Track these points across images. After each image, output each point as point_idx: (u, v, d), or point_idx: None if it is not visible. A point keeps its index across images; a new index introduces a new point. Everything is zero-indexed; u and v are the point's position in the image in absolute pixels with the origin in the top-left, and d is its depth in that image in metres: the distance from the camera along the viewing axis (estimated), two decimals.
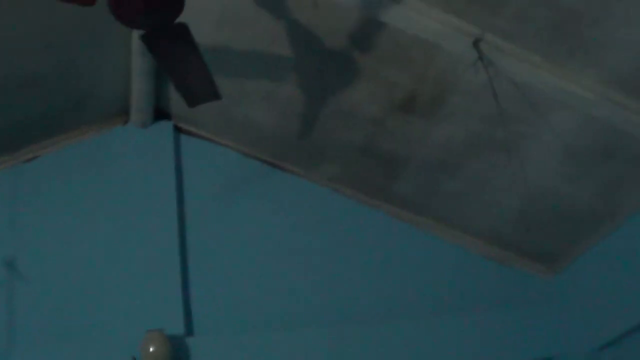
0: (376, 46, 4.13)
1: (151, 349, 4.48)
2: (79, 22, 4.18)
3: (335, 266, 5.11)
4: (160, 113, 5.20)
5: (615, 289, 4.68)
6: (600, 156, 4.26)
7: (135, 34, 4.41)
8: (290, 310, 4.95)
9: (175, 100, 5.04)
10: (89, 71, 4.71)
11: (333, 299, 5.02)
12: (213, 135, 5.23)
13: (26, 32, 4.21)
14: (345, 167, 5.08)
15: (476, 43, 3.87)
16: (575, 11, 3.59)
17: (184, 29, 3.37)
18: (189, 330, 4.77)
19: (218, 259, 5.01)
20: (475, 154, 4.53)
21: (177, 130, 5.24)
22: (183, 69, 3.66)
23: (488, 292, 5.18)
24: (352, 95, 4.48)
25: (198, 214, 5.08)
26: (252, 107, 4.83)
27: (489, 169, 4.60)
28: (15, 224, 4.87)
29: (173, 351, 4.53)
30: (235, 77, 4.29)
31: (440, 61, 4.07)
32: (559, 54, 3.84)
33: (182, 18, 3.23)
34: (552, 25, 3.73)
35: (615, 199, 4.50)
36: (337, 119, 4.69)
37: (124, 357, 4.49)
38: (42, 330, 4.67)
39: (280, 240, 5.12)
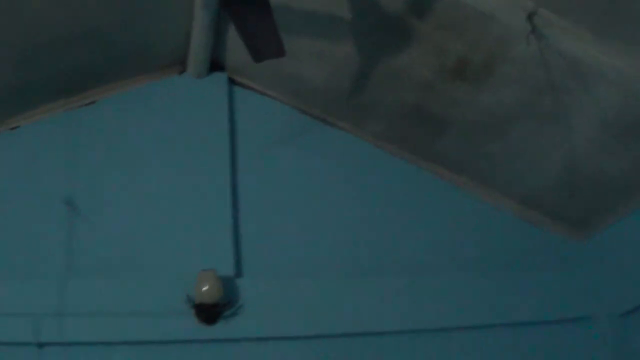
0: (433, 13, 4.27)
1: (204, 288, 4.69)
2: None
3: (374, 219, 5.32)
4: (214, 65, 5.35)
5: None
6: (638, 130, 4.41)
7: None
8: (331, 259, 5.17)
9: (230, 52, 5.23)
10: (149, 22, 4.85)
11: (371, 251, 5.24)
12: (265, 88, 5.42)
13: None
14: (391, 125, 5.27)
15: (530, 16, 4.04)
16: None
17: None
18: (238, 272, 5.00)
19: (267, 206, 5.22)
20: (520, 120, 4.70)
21: (231, 82, 5.41)
22: (254, 24, 3.80)
23: (521, 254, 5.36)
24: (405, 58, 4.63)
25: (249, 163, 5.28)
26: (305, 64, 4.99)
27: (531, 136, 4.77)
28: (73, 164, 5.07)
29: (224, 291, 4.76)
30: (291, 33, 4.35)
31: (493, 32, 4.22)
32: (608, 31, 3.99)
33: None
34: (602, 3, 3.87)
35: None
36: (387, 80, 4.84)
37: (178, 294, 4.74)
38: (99, 266, 4.88)
39: (325, 192, 5.33)
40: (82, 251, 4.93)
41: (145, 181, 5.13)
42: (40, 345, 4.67)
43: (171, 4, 4.82)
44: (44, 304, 4.70)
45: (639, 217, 4.89)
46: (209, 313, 4.74)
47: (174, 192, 5.10)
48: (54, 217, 4.96)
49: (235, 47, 4.93)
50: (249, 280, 4.97)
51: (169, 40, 5.15)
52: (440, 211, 5.40)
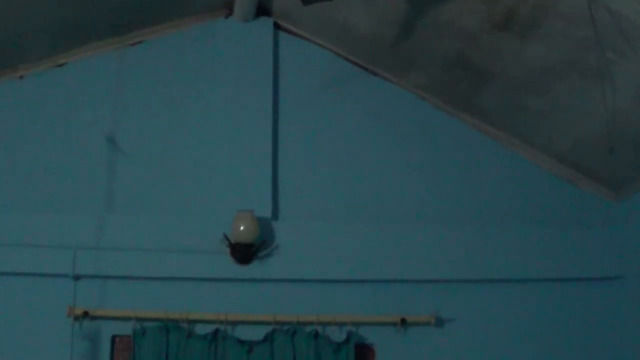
0: None
1: (241, 228, 4.79)
2: None
3: (412, 168, 5.36)
4: (261, 9, 5.37)
5: None
6: None
7: None
8: (368, 206, 5.24)
9: None
10: None
11: (407, 200, 5.29)
12: (310, 35, 5.45)
13: None
14: (434, 76, 5.27)
15: None
16: None
17: None
18: (275, 214, 5.08)
19: (306, 152, 5.30)
20: (563, 76, 4.64)
21: (277, 27, 5.44)
22: None
23: (555, 209, 5.37)
24: (452, 8, 4.59)
25: (291, 108, 5.33)
26: (351, 11, 4.99)
27: (574, 92, 4.72)
28: (119, 102, 5.18)
29: (260, 231, 4.85)
30: None
31: None
32: None
33: None
34: None
35: None
36: (433, 30, 4.83)
37: (216, 233, 4.85)
38: (138, 202, 5.02)
39: (365, 139, 5.37)
40: (122, 188, 5.06)
41: (188, 122, 5.22)
42: (77, 277, 4.81)
43: None
44: (82, 237, 4.85)
45: None
46: (244, 253, 4.83)
47: (216, 134, 5.17)
48: (97, 153, 5.09)
49: None
50: (285, 222, 5.06)
51: None
52: (477, 164, 5.41)
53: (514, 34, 4.54)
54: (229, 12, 5.40)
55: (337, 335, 4.87)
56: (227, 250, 4.84)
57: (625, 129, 4.72)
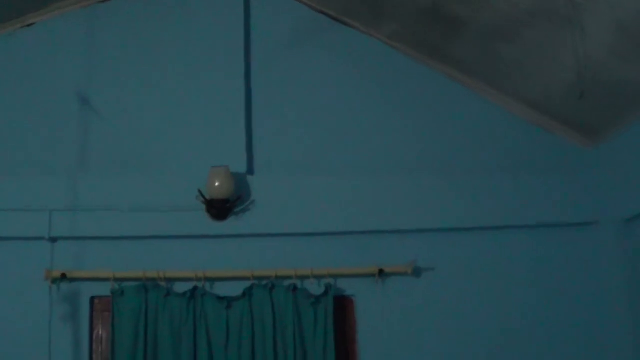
0: None
1: (216, 184, 4.78)
2: None
3: (386, 119, 5.35)
4: None
5: None
6: None
7: None
8: (343, 158, 5.23)
9: None
10: None
11: (381, 151, 5.29)
12: None
13: None
14: (405, 26, 5.23)
15: None
16: None
17: None
18: (250, 169, 5.07)
19: (279, 105, 5.27)
20: (535, 24, 4.61)
21: None
22: None
23: (531, 157, 5.38)
24: None
25: (264, 62, 5.30)
26: None
27: (545, 39, 4.69)
28: (89, 61, 5.14)
29: (236, 187, 4.84)
30: None
31: None
32: None
33: None
34: None
35: None
36: None
37: (191, 190, 4.83)
38: (112, 162, 5.01)
39: (338, 91, 5.36)
40: (95, 147, 5.04)
41: (160, 79, 5.19)
42: (53, 239, 4.81)
43: None
44: (57, 199, 4.84)
45: None
46: (220, 209, 4.83)
47: (189, 91, 5.14)
48: (69, 113, 5.07)
49: None
50: (260, 177, 5.05)
51: None
52: (451, 113, 5.40)
53: None
54: None
55: (316, 288, 4.89)
56: (203, 206, 4.83)
57: (596, 75, 4.71)
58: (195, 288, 4.79)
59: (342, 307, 4.98)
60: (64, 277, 4.69)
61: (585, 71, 4.68)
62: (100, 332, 4.82)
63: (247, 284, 4.83)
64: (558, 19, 4.49)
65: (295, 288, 4.84)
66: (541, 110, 5.36)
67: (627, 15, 4.26)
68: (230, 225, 4.89)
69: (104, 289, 4.76)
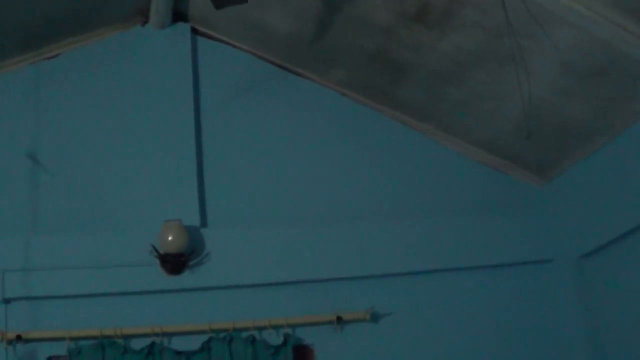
0: None
1: (169, 238, 4.74)
2: None
3: (339, 166, 5.37)
4: (177, 15, 5.32)
5: (602, 200, 4.86)
6: (597, 73, 4.38)
7: None
8: (297, 207, 5.22)
9: (193, 2, 5.19)
10: None
11: (336, 199, 5.29)
12: (229, 37, 5.40)
13: None
14: (354, 72, 5.26)
15: None
16: None
17: None
18: (204, 221, 5.04)
19: (231, 156, 5.26)
20: (480, 65, 4.68)
21: (194, 32, 5.38)
22: None
23: (483, 198, 5.43)
24: (366, 3, 4.60)
25: (213, 113, 5.29)
26: (267, 11, 4.95)
27: (492, 81, 4.76)
28: (38, 118, 5.07)
29: (189, 240, 4.81)
30: None
31: None
32: None
33: None
34: None
35: (608, 115, 4.65)
36: (350, 26, 4.82)
37: (145, 245, 4.78)
38: (65, 220, 4.93)
39: (290, 140, 5.36)
40: (47, 206, 4.97)
41: (110, 134, 5.14)
42: (7, 300, 4.72)
43: None
44: (10, 259, 4.75)
45: (596, 160, 4.93)
46: (174, 263, 4.80)
47: (139, 145, 5.11)
48: (19, 172, 4.99)
49: None
50: (214, 229, 5.02)
51: None
52: (403, 157, 5.43)
53: (430, 26, 4.56)
54: (145, 20, 5.34)
55: (275, 338, 4.84)
56: (157, 261, 4.79)
57: (543, 114, 4.79)
58: (152, 344, 4.72)
59: (302, 356, 4.94)
60: (19, 338, 4.59)
61: (532, 110, 4.74)
62: None
63: (205, 337, 4.78)
64: (504, 60, 4.55)
65: (253, 339, 4.80)
66: (492, 151, 5.41)
67: (570, 54, 4.33)
68: (185, 279, 4.85)
69: (61, 349, 4.67)
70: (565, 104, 4.70)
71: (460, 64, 4.75)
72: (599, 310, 5.04)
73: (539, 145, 5.10)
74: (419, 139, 5.46)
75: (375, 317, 5.00)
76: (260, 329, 4.84)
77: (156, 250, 4.76)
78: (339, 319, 4.90)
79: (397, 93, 5.26)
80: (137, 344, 4.74)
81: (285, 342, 4.83)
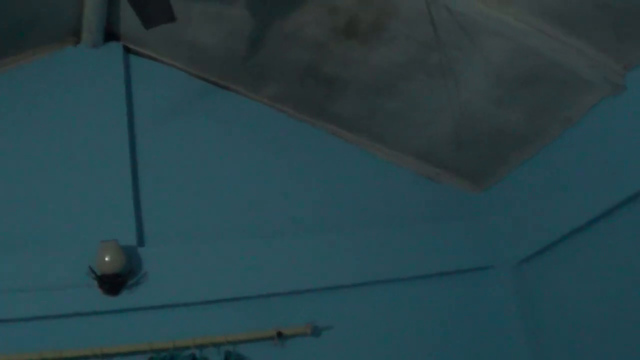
0: None
1: (106, 259, 4.67)
2: None
3: (274, 181, 5.35)
4: (110, 34, 5.29)
5: (537, 206, 4.96)
6: (528, 82, 4.48)
7: None
8: (234, 222, 5.18)
9: (124, 21, 5.15)
10: None
11: (273, 213, 5.26)
12: (161, 55, 5.37)
13: None
14: (287, 87, 5.28)
15: None
16: None
17: None
18: (141, 240, 4.99)
19: (167, 174, 5.20)
20: (412, 77, 4.73)
21: (127, 50, 5.36)
22: None
23: (419, 207, 5.47)
24: (297, 19, 4.62)
25: (148, 131, 5.24)
26: (199, 28, 4.95)
27: (424, 92, 4.82)
28: None
29: (127, 260, 4.74)
30: None
31: None
32: None
33: None
34: None
35: (540, 123, 4.75)
36: (281, 41, 4.84)
37: (81, 266, 4.71)
38: None
39: (225, 156, 5.33)
40: None
41: (42, 154, 5.05)
42: None
43: None
44: None
45: (531, 167, 5.01)
46: (112, 283, 4.73)
47: (73, 165, 5.03)
48: None
49: (130, 16, 4.82)
50: (151, 248, 4.96)
51: (62, 10, 5.04)
52: (339, 170, 5.45)
53: (360, 40, 4.61)
54: (78, 40, 5.29)
55: (216, 356, 4.80)
56: (95, 282, 4.73)
57: (476, 123, 4.86)
58: None
59: None
60: None
61: (465, 120, 4.81)
62: None
63: (146, 357, 4.70)
64: (434, 71, 4.61)
65: (194, 358, 4.75)
66: (427, 161, 5.47)
67: (501, 63, 4.41)
68: (124, 299, 4.77)
69: None
70: (497, 113, 4.78)
71: (392, 77, 4.80)
72: (538, 315, 5.12)
73: (473, 154, 5.18)
74: (354, 151, 5.49)
75: (316, 331, 4.98)
76: (201, 347, 4.79)
77: (93, 272, 4.70)
78: (279, 334, 4.87)
79: (330, 106, 5.29)
80: None
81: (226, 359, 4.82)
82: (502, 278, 5.29)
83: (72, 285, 4.70)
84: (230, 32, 4.91)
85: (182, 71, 5.40)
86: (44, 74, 5.22)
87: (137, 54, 5.38)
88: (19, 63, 5.20)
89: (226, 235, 5.13)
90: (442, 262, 5.26)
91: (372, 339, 5.08)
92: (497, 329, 5.23)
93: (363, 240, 5.23)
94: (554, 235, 4.85)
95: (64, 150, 5.06)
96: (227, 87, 5.43)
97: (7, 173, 4.98)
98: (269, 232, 5.20)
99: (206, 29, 4.95)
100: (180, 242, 5.05)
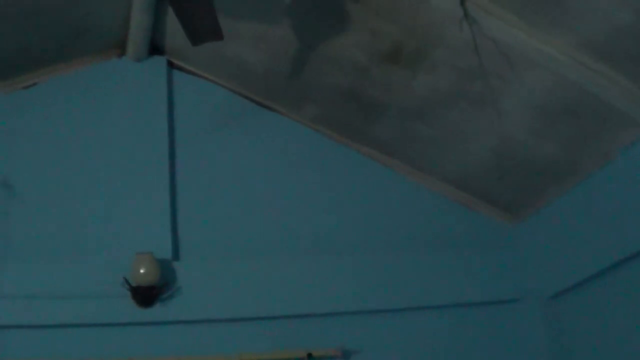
0: None
1: (141, 271, 4.73)
2: None
3: (311, 201, 5.38)
4: (154, 48, 5.37)
5: (572, 240, 4.90)
6: (567, 114, 4.47)
7: None
8: (270, 241, 5.21)
9: (169, 35, 5.24)
10: (90, 4, 4.83)
11: (307, 233, 5.29)
12: (204, 71, 5.44)
13: None
14: (327, 109, 5.32)
15: (463, 2, 4.09)
16: None
17: None
18: (176, 254, 5.03)
19: (205, 189, 5.26)
20: (452, 104, 4.75)
21: (170, 65, 5.43)
22: (191, 6, 3.82)
23: (452, 234, 5.44)
24: (341, 42, 4.67)
25: (187, 146, 5.31)
26: (243, 47, 5.01)
27: (463, 120, 4.83)
28: (11, 146, 5.07)
29: (161, 273, 4.79)
30: (229, 16, 4.40)
31: (427, 16, 4.26)
32: (538, 17, 4.04)
33: None
34: None
35: (578, 155, 4.72)
36: (324, 63, 4.89)
37: (116, 277, 4.76)
38: (36, 249, 4.87)
39: (263, 174, 5.38)
40: (19, 234, 4.91)
41: (83, 164, 5.13)
42: None
43: None
44: None
45: (567, 201, 4.98)
46: (145, 296, 4.77)
47: (112, 175, 5.10)
48: None
49: (175, 30, 4.95)
50: (186, 262, 5.01)
51: (109, 22, 5.13)
52: (375, 193, 5.47)
53: (402, 65, 4.63)
54: (122, 52, 5.37)
55: None
56: (128, 293, 4.77)
57: (513, 153, 4.86)
58: None
59: None
60: None
61: (503, 150, 4.81)
62: None
63: None
64: (475, 100, 4.62)
65: None
66: (462, 188, 5.47)
67: (541, 95, 4.41)
68: (156, 312, 4.81)
69: None
70: (535, 144, 4.77)
71: (432, 103, 4.82)
72: (568, 352, 5.06)
73: (509, 184, 5.17)
74: (390, 175, 5.51)
75: (346, 355, 4.99)
76: None
77: (128, 283, 4.75)
78: (309, 355, 4.88)
79: (369, 130, 5.32)
80: None
81: None
82: (532, 312, 5.24)
83: (106, 295, 4.74)
84: (274, 52, 4.97)
85: (224, 88, 5.46)
86: (87, 84, 5.31)
87: (180, 68, 5.45)
88: (63, 72, 5.29)
89: (260, 253, 5.16)
90: (472, 292, 5.24)
91: None
92: None
93: (395, 265, 5.23)
94: (587, 271, 4.78)
95: (104, 161, 5.13)
96: (267, 106, 5.48)
97: (47, 182, 5.06)
98: (302, 252, 5.22)
99: (250, 47, 5.01)
100: (214, 258, 5.09)
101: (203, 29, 4.03)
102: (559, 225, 5.06)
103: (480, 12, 4.13)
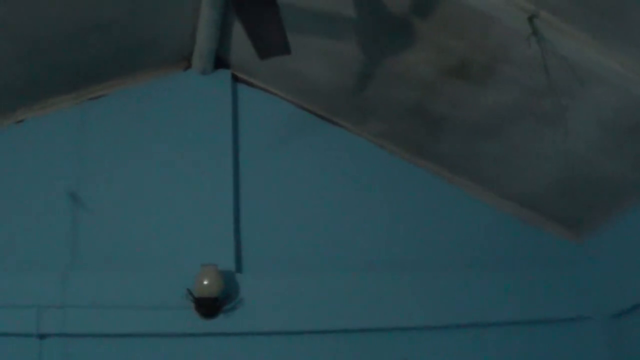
0: (435, 13, 4.30)
1: (205, 282, 4.76)
2: None
3: (374, 217, 5.39)
4: (219, 61, 5.44)
5: (637, 259, 4.83)
6: (634, 132, 4.41)
7: None
8: (332, 255, 5.24)
9: (235, 49, 5.30)
10: (156, 18, 4.92)
11: (370, 248, 5.30)
12: (269, 86, 5.49)
13: None
14: (392, 124, 5.32)
15: (531, 19, 4.07)
16: None
17: None
18: (239, 267, 5.06)
19: (268, 203, 5.30)
20: (518, 121, 4.72)
21: (235, 79, 5.49)
22: (260, 21, 3.84)
23: (517, 252, 5.41)
24: (407, 58, 4.67)
25: (252, 159, 5.35)
26: (308, 61, 5.03)
27: (530, 137, 4.79)
28: (79, 158, 5.17)
29: (225, 285, 4.82)
30: (295, 31, 4.39)
31: (495, 33, 4.24)
32: (605, 34, 4.01)
33: None
34: (601, 7, 3.88)
35: None
36: (390, 79, 4.89)
37: (180, 288, 4.80)
38: (102, 258, 4.97)
39: (326, 189, 5.40)
40: (85, 244, 5.01)
41: (149, 176, 5.21)
42: (42, 336, 4.74)
43: (178, 0, 4.88)
44: (47, 295, 4.78)
45: (633, 219, 4.92)
46: (209, 307, 4.80)
47: (177, 187, 5.17)
48: (59, 209, 5.05)
49: (240, 44, 5.02)
50: (249, 275, 5.04)
51: (176, 36, 5.21)
52: (438, 210, 5.46)
53: (469, 81, 4.62)
54: (188, 65, 5.44)
55: None
56: (192, 305, 4.81)
57: (581, 171, 4.81)
58: None
59: None
60: None
61: (570, 168, 4.76)
62: None
63: None
64: (542, 117, 4.59)
65: None
66: (526, 205, 5.43)
67: (609, 112, 4.36)
68: (219, 323, 4.84)
69: None
70: (602, 162, 4.72)
71: (499, 119, 4.79)
72: None
73: (575, 202, 5.12)
74: (455, 191, 5.50)
75: None
76: None
77: (191, 294, 4.79)
78: None
79: (433, 145, 5.31)
80: None
81: None
82: (596, 330, 5.18)
83: (170, 306, 4.80)
84: (340, 67, 4.98)
85: (288, 102, 5.50)
86: (154, 96, 5.39)
87: (244, 82, 5.50)
88: (130, 84, 5.39)
89: (322, 267, 5.18)
90: (536, 309, 5.19)
91: None
92: None
93: (460, 282, 5.21)
94: None
95: (168, 174, 5.20)
96: (332, 120, 5.51)
97: (114, 193, 5.15)
98: (364, 266, 5.22)
99: (316, 62, 5.03)
100: (277, 271, 5.12)
101: (271, 43, 4.06)
102: (624, 243, 4.99)
103: (549, 29, 4.10)
